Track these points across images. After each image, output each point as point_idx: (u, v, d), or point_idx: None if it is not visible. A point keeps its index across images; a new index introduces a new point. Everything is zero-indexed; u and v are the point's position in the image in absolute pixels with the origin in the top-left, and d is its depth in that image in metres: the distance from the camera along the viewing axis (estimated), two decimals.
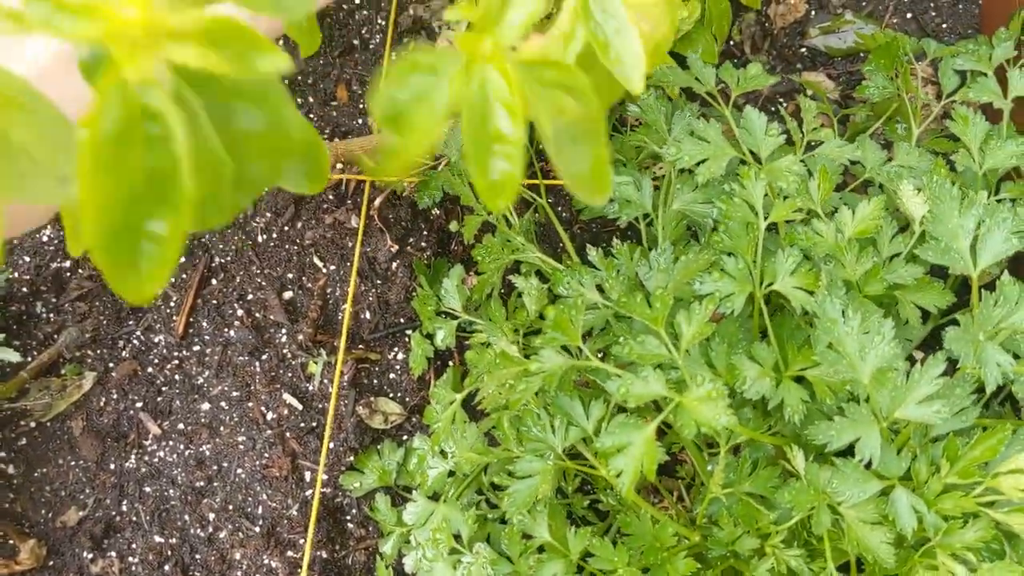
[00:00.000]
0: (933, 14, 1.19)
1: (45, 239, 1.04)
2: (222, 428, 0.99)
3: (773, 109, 1.13)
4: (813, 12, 1.21)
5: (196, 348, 1.02)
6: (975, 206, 0.69)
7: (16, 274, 1.03)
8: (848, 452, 0.70)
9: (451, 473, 0.90)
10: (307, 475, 0.97)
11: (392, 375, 1.01)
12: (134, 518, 0.97)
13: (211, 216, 0.36)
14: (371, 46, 1.14)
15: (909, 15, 1.19)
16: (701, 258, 0.75)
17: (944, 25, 1.19)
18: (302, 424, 0.98)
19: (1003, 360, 0.66)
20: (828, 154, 0.81)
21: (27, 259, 1.03)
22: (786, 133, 0.80)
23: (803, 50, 1.19)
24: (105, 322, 1.02)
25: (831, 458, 0.70)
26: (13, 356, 0.97)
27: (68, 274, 1.04)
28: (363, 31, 1.14)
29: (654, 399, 0.68)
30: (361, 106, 1.10)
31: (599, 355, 0.77)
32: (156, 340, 1.02)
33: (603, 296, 0.80)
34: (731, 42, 1.18)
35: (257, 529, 0.95)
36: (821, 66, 1.19)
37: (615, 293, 0.78)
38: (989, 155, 0.87)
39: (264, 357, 1.00)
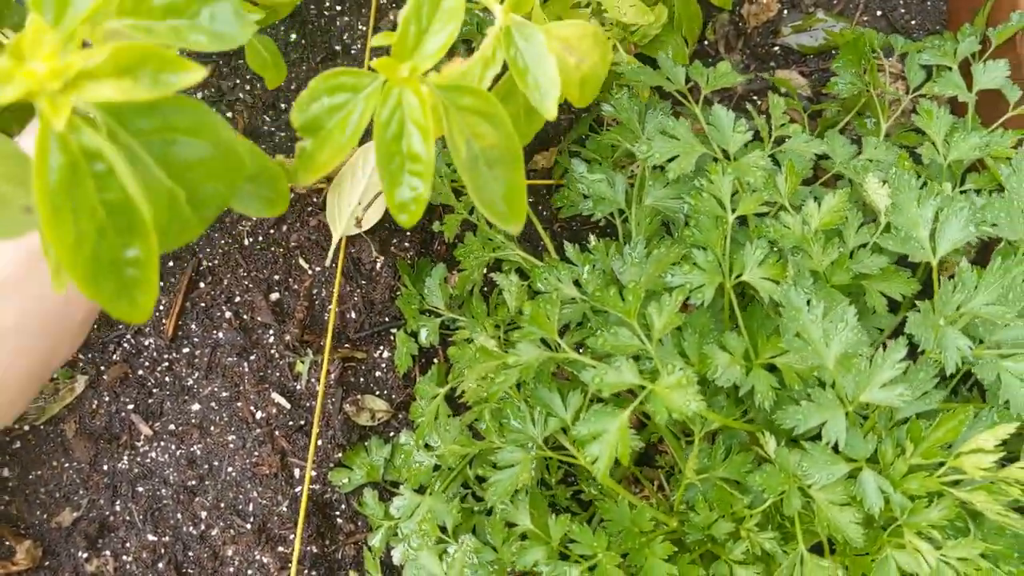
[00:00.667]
0: (902, 11, 1.22)
1: None
2: (212, 428, 1.01)
3: (747, 106, 1.15)
4: (785, 11, 1.24)
5: (185, 350, 1.03)
6: (933, 196, 0.72)
7: None
8: (818, 437, 0.72)
9: (437, 467, 0.92)
10: (296, 472, 0.99)
11: (378, 373, 1.03)
12: (127, 517, 0.99)
13: (176, 235, 0.38)
14: (352, 51, 1.16)
15: (879, 12, 1.22)
16: (672, 252, 0.77)
17: (913, 22, 1.21)
18: (291, 422, 1.00)
19: (963, 344, 0.69)
20: (796, 149, 0.84)
21: None
22: (754, 130, 0.83)
23: (776, 48, 1.22)
24: (95, 326, 1.04)
25: (801, 442, 0.72)
26: None
27: None
28: (344, 36, 1.17)
29: (628, 388, 0.71)
30: None
31: (577, 348, 0.79)
32: (146, 343, 1.04)
33: (580, 291, 0.83)
34: (705, 42, 1.20)
35: (248, 526, 0.97)
36: (794, 64, 1.21)
37: (591, 287, 0.81)
38: (953, 147, 0.90)
39: (252, 357, 1.02)
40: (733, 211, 0.77)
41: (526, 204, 0.44)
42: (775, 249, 0.76)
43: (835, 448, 0.71)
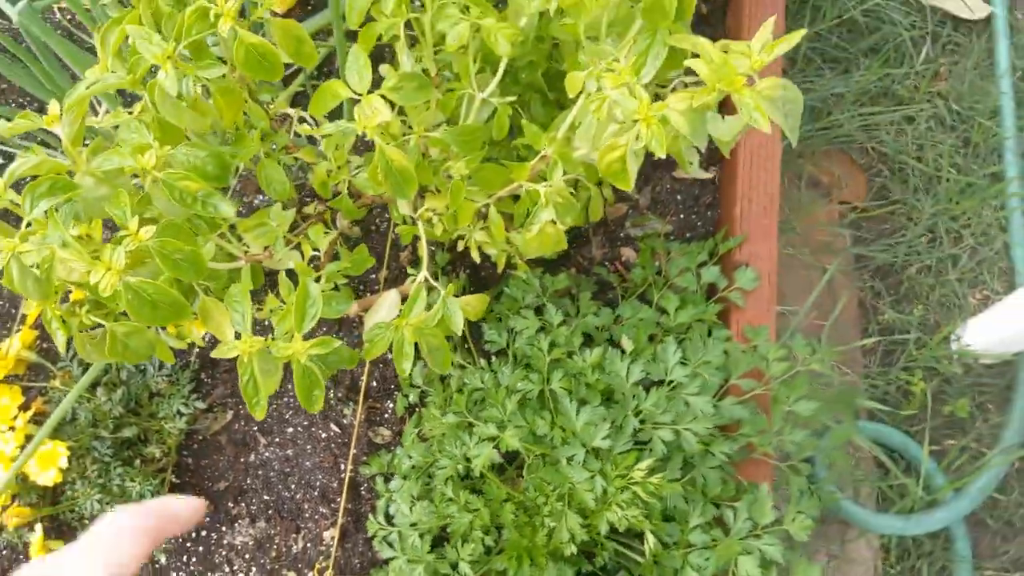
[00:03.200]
0: (693, 216, 2.12)
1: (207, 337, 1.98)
2: (299, 441, 1.92)
3: (604, 264, 2.06)
4: (629, 211, 2.15)
5: (284, 400, 1.95)
6: (628, 359, 1.62)
7: (193, 359, 1.97)
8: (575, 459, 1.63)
9: (413, 467, 1.84)
10: (342, 466, 1.91)
11: (386, 415, 1.94)
12: (254, 487, 1.91)
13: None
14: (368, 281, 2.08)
15: (681, 215, 2.13)
16: (521, 373, 1.68)
17: (699, 222, 2.12)
18: (340, 440, 1.92)
19: (635, 423, 1.59)
20: (589, 322, 1.75)
21: (197, 348, 1.97)
22: (567, 315, 1.74)
23: (622, 234, 2.13)
24: (235, 385, 1.96)
25: (569, 461, 1.63)
26: (200, 404, 1.91)
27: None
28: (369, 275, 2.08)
29: (494, 436, 1.62)
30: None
31: (477, 415, 1.70)
32: None
33: (483, 383, 1.74)
34: (584, 227, 2.11)
35: (316, 493, 1.89)
36: (630, 244, 2.12)
37: (488, 384, 1.72)
38: (679, 316, 1.81)
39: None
40: (549, 354, 1.68)
41: (450, 360, 1.36)
42: (568, 373, 1.67)
43: (583, 463, 1.61)
